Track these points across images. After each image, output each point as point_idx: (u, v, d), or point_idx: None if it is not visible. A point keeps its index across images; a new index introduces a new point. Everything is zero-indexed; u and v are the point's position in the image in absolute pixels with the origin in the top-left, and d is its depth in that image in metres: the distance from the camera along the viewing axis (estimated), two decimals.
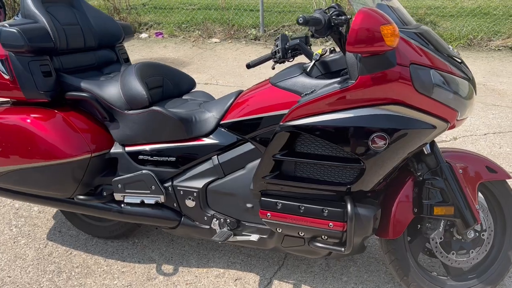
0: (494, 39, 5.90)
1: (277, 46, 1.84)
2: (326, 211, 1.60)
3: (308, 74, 1.67)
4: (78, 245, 2.27)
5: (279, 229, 1.70)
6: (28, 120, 1.82)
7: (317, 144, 1.55)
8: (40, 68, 1.82)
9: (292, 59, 1.84)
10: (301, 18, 1.42)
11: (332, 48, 1.78)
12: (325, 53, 1.77)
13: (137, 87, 1.86)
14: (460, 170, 1.66)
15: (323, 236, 1.65)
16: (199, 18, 7.08)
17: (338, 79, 1.52)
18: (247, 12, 6.82)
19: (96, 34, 2.15)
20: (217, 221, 1.87)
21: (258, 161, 1.78)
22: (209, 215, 1.88)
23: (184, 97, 2.13)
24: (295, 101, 1.63)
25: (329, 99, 1.47)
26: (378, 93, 1.42)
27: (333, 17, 1.49)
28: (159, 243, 2.25)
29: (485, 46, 5.84)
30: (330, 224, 1.60)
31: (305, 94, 1.56)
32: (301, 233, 1.68)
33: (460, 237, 1.71)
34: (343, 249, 1.61)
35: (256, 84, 1.91)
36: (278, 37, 1.86)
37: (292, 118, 1.53)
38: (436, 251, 1.74)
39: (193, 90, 2.21)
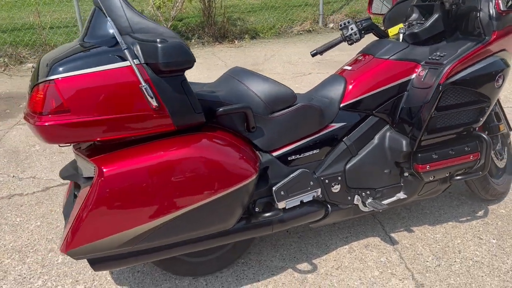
0: (293, 26, 7.11)
1: (351, 29, 2.07)
2: (467, 147, 1.98)
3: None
4: None
5: (432, 177, 1.98)
6: (199, 149, 1.48)
7: (459, 94, 1.89)
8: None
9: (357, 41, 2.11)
10: None
11: (410, 23, 2.12)
12: (406, 27, 2.10)
13: (278, 86, 1.76)
14: None
15: (463, 169, 2.03)
16: None
17: (465, 38, 1.90)
18: (61, 29, 6.02)
19: None
20: (359, 196, 1.99)
21: (384, 129, 1.99)
22: (352, 193, 1.97)
23: None
24: (416, 66, 1.93)
25: (475, 54, 1.84)
26: (500, 44, 1.88)
27: None
28: (265, 251, 2.13)
29: (291, 33, 6.99)
30: (471, 156, 1.99)
31: (440, 57, 1.88)
32: (448, 173, 2.00)
33: (501, 147, 2.38)
34: (480, 172, 2.04)
35: (351, 65, 2.07)
36: (346, 22, 2.08)
37: (449, 76, 1.83)
38: (495, 158, 2.36)
39: None
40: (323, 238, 2.23)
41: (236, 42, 6.48)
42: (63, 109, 1.36)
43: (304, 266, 2.04)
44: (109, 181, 1.41)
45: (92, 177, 1.53)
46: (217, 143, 1.56)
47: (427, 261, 2.04)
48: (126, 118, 1.41)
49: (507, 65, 1.94)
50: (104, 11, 1.46)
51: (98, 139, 1.43)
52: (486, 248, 2.11)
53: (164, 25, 6.14)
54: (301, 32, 6.99)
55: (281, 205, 1.78)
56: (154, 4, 5.75)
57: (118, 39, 1.38)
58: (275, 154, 1.79)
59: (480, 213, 2.39)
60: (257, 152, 1.77)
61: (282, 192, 1.77)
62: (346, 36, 2.08)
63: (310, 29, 7.05)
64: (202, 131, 1.58)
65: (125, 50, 1.37)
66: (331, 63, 5.36)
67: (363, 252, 2.12)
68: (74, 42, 1.61)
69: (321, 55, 2.17)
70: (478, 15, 1.85)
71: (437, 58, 1.89)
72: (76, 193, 1.70)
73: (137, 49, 1.42)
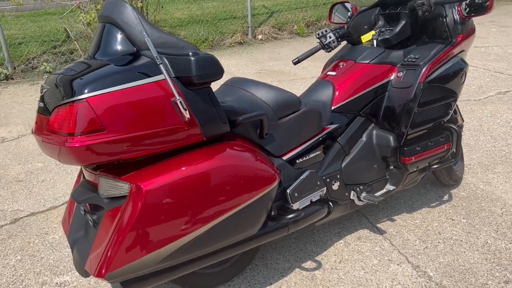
0: (225, 39, 7.22)
1: (330, 37, 2.24)
2: (441, 138, 2.21)
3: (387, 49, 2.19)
4: None
5: (416, 168, 2.18)
6: (231, 158, 1.51)
7: (435, 91, 2.11)
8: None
9: (335, 48, 2.29)
10: None
11: (380, 30, 2.32)
12: (377, 34, 2.30)
13: (283, 92, 1.84)
14: None
15: (439, 158, 2.26)
16: None
17: (433, 41, 2.13)
18: None
19: None
20: (354, 191, 2.13)
21: (370, 128, 2.17)
22: (348, 189, 2.11)
23: None
24: (393, 68, 2.14)
25: (446, 55, 2.08)
26: (462, 45, 2.15)
27: None
28: (268, 254, 2.19)
29: (223, 45, 7.09)
30: (445, 146, 2.23)
31: (415, 59, 2.09)
32: (428, 163, 2.22)
33: None
34: (453, 159, 2.28)
35: (334, 70, 2.21)
36: (323, 31, 2.25)
37: (427, 75, 2.04)
38: None
39: None
40: (318, 236, 2.34)
41: None
42: (97, 128, 1.32)
43: (309, 264, 2.14)
44: (149, 197, 1.39)
45: (119, 197, 1.50)
46: (244, 151, 1.60)
47: (416, 245, 2.24)
48: (158, 132, 1.41)
49: (466, 64, 2.21)
50: (143, 28, 1.44)
51: (131, 156, 1.40)
52: (460, 227, 2.37)
53: None
54: (233, 44, 7.13)
55: (295, 206, 1.86)
56: (84, 20, 5.51)
57: (153, 54, 1.37)
58: (285, 158, 1.87)
59: (446, 197, 2.67)
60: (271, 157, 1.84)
61: (296, 193, 1.85)
62: (325, 44, 2.23)
63: (241, 41, 7.21)
64: (225, 141, 1.61)
65: (160, 65, 1.37)
66: (271, 73, 5.55)
67: (358, 244, 2.27)
68: (84, 60, 1.56)
69: (298, 63, 2.29)
70: (444, 21, 2.11)
71: (413, 60, 2.10)
72: (91, 216, 1.63)
73: (165, 63, 1.43)
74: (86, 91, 1.33)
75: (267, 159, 1.69)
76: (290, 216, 1.82)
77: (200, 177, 1.47)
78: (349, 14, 2.70)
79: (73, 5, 5.75)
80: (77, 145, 1.31)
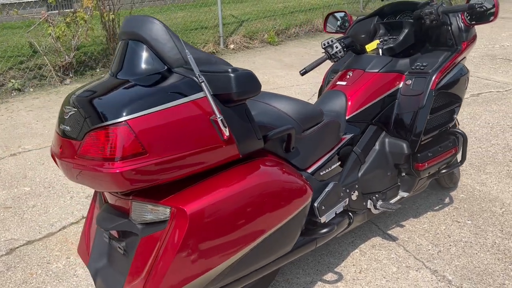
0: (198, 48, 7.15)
1: (336, 47, 2.25)
2: (450, 142, 2.26)
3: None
4: None
5: (428, 173, 2.21)
6: (269, 175, 1.48)
7: (443, 98, 2.15)
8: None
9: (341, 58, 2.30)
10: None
11: (383, 39, 2.35)
12: (382, 43, 2.33)
13: (306, 104, 1.82)
14: None
15: (448, 163, 2.31)
16: None
17: (438, 49, 2.18)
18: None
19: None
20: (371, 200, 2.14)
21: (382, 136, 2.19)
22: (366, 199, 2.11)
23: None
24: (401, 76, 2.17)
25: (452, 62, 2.13)
26: (466, 52, 2.21)
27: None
28: (287, 269, 2.16)
29: None
30: (453, 150, 2.28)
31: (423, 66, 2.13)
32: (438, 168, 2.26)
33: None
34: (460, 163, 2.34)
35: (343, 80, 2.21)
36: (329, 42, 2.25)
37: (436, 83, 2.08)
38: None
39: None
40: (333, 247, 2.33)
41: None
42: (140, 151, 1.25)
43: (329, 276, 2.12)
44: (193, 221, 1.33)
45: (155, 222, 1.42)
46: (277, 167, 1.57)
47: (429, 250, 2.27)
48: (198, 152, 1.36)
49: (468, 70, 2.28)
50: (182, 47, 1.38)
51: (171, 179, 1.33)
52: (467, 229, 2.43)
53: (67, 56, 5.69)
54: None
55: (323, 219, 1.84)
56: (54, 34, 5.28)
57: (195, 73, 1.32)
58: (309, 171, 1.85)
59: (447, 200, 2.73)
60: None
61: (323, 207, 1.83)
62: (332, 54, 2.23)
63: (214, 51, 7.16)
64: (259, 157, 1.57)
65: (202, 83, 1.32)
66: None
67: (374, 252, 2.27)
68: (107, 79, 1.48)
69: (306, 74, 2.28)
70: (450, 29, 2.16)
71: (421, 68, 2.14)
72: (119, 243, 1.54)
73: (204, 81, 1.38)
74: (124, 113, 1.26)
75: (298, 174, 1.66)
76: (323, 230, 1.79)
77: (242, 196, 1.42)
78: (338, 23, 2.73)
79: (40, 18, 5.50)
80: (117, 171, 1.24)
